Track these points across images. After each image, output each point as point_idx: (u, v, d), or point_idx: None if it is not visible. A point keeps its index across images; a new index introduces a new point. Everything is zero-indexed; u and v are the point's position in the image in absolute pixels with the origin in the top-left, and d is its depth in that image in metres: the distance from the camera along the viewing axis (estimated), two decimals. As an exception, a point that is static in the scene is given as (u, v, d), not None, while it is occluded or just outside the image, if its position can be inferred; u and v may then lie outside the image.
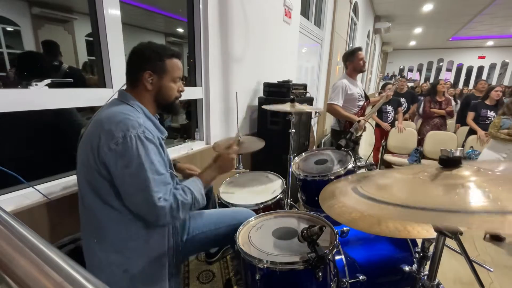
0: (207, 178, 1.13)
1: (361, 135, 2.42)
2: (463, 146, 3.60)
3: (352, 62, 2.46)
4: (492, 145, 2.64)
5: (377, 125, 3.95)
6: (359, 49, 2.48)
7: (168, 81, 1.03)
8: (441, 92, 3.82)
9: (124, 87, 1.06)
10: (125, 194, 0.91)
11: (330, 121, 5.19)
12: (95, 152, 0.88)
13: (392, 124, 3.90)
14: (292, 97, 1.96)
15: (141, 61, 0.99)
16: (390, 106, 3.87)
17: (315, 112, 3.93)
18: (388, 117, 3.90)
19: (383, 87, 3.94)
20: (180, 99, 1.12)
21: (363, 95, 2.57)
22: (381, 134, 3.93)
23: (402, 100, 3.95)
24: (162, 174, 0.93)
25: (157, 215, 0.91)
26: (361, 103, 2.54)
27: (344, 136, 1.67)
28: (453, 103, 4.14)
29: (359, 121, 2.28)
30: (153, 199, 0.88)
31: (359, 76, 2.61)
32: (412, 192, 0.60)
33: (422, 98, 4.95)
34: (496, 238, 2.29)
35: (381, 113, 3.88)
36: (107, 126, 0.88)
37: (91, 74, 1.84)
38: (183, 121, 2.76)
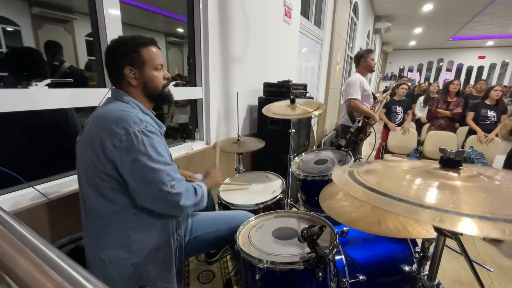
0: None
1: (371, 132, 2.45)
2: (463, 146, 3.60)
3: (366, 60, 2.55)
4: (506, 148, 2.59)
5: (385, 125, 3.96)
6: (372, 51, 2.63)
7: (150, 70, 0.99)
8: (453, 92, 3.75)
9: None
10: (137, 188, 0.91)
11: (330, 121, 5.20)
12: (100, 152, 0.88)
13: (400, 124, 3.90)
14: (292, 97, 1.96)
15: (117, 58, 0.96)
16: (400, 107, 3.87)
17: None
18: (397, 118, 3.89)
19: (397, 86, 3.94)
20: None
21: (372, 94, 2.62)
22: (388, 134, 3.93)
23: (399, 108, 3.92)
24: (171, 164, 0.95)
25: (174, 202, 0.93)
26: (372, 101, 2.61)
27: (344, 136, 1.67)
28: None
29: (358, 121, 2.29)
30: (167, 188, 0.90)
31: None
32: (388, 181, 0.63)
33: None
34: (494, 240, 2.28)
35: (390, 113, 3.88)
36: (108, 125, 0.87)
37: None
38: (182, 120, 2.76)
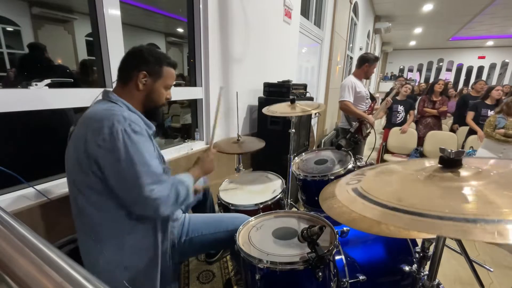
0: (193, 175, 1.13)
1: (369, 132, 2.48)
2: (463, 146, 3.60)
3: (369, 66, 2.56)
4: (487, 144, 2.62)
5: (387, 125, 4.01)
6: (378, 59, 2.65)
7: (160, 86, 1.04)
8: (438, 92, 3.80)
9: (113, 85, 1.05)
10: (118, 190, 0.90)
11: (330, 121, 5.20)
12: (85, 152, 0.87)
13: (401, 124, 3.93)
14: (292, 97, 1.96)
15: (140, 61, 0.99)
16: (402, 106, 3.89)
17: (315, 112, 3.95)
18: (398, 117, 3.93)
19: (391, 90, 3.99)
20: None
21: (369, 95, 2.62)
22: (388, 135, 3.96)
23: (400, 108, 3.95)
24: (152, 166, 0.91)
25: (154, 207, 0.90)
26: (369, 101, 2.63)
27: (344, 136, 1.67)
28: (449, 103, 4.11)
29: (360, 121, 2.32)
30: (146, 192, 0.87)
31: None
32: (410, 194, 0.58)
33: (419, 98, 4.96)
34: None
35: (391, 112, 3.91)
36: (92, 124, 0.87)
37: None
38: (184, 121, 2.76)
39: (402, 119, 3.93)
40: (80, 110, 1.41)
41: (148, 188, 0.88)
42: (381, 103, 2.90)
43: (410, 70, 15.28)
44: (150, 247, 1.02)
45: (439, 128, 3.93)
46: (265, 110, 1.76)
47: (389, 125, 4.02)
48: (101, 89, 1.36)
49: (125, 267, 0.97)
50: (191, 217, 1.22)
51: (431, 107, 3.83)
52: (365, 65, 2.56)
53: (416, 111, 4.29)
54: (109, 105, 0.95)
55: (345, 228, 1.10)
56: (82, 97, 1.29)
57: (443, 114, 3.84)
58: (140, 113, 1.06)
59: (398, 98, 3.94)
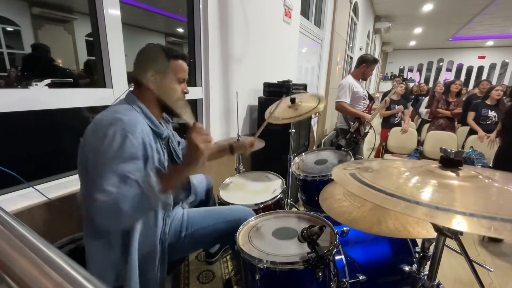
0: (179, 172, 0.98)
1: (368, 132, 2.49)
2: (463, 146, 3.60)
3: (367, 67, 2.56)
4: None
5: (384, 125, 4.01)
6: (377, 62, 2.65)
7: (171, 81, 1.04)
8: (454, 92, 3.77)
9: (132, 88, 1.07)
10: (87, 181, 0.91)
11: (330, 121, 5.20)
12: (83, 149, 0.91)
13: (398, 124, 3.94)
14: (292, 96, 1.96)
15: (146, 60, 1.00)
16: (397, 106, 3.90)
17: (315, 112, 3.96)
18: (396, 117, 3.96)
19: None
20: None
21: (367, 95, 2.62)
22: (386, 134, 3.96)
23: (398, 106, 3.97)
24: (124, 170, 0.85)
25: (94, 209, 0.82)
26: (366, 101, 2.63)
27: (344, 136, 1.67)
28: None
29: (359, 119, 2.31)
30: (103, 186, 0.81)
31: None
32: (385, 178, 0.64)
33: (421, 98, 4.95)
34: (494, 240, 2.28)
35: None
36: (94, 123, 0.91)
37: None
38: (177, 120, 2.76)
39: (399, 119, 3.94)
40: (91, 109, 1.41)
41: (102, 186, 0.81)
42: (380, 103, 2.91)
43: (410, 70, 15.28)
44: (148, 245, 1.02)
45: (451, 129, 3.83)
46: (267, 116, 1.71)
47: (387, 125, 4.03)
48: (100, 89, 1.37)
49: (127, 265, 0.97)
50: (190, 212, 1.22)
51: (445, 108, 3.78)
52: (362, 65, 2.56)
53: (425, 111, 4.27)
54: (123, 107, 0.97)
55: (345, 228, 1.10)
56: (82, 97, 1.29)
57: (457, 115, 3.75)
58: (160, 113, 1.07)
59: (393, 98, 3.93)
